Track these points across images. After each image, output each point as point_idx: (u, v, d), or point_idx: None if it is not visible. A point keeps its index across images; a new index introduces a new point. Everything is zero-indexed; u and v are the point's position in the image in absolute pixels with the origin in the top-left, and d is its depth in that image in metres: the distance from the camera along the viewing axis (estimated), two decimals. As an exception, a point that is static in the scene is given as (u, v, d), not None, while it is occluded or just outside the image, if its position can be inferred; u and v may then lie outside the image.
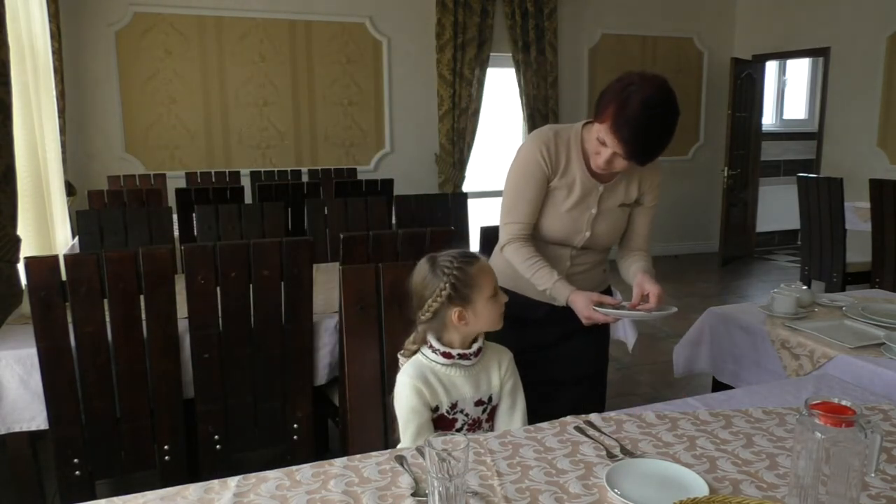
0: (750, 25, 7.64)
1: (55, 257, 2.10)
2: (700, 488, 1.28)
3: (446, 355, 1.64)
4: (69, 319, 2.13)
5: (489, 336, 1.75)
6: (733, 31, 7.79)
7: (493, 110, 7.00)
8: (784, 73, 8.58)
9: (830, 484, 1.13)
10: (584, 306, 1.91)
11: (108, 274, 2.13)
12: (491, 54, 6.62)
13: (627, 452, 1.45)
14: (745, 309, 2.65)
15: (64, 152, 4.89)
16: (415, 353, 1.67)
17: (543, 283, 1.99)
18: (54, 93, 4.41)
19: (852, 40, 6.53)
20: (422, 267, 1.66)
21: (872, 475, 1.31)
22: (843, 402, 1.16)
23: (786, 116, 8.62)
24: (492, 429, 1.73)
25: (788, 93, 8.67)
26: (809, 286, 3.51)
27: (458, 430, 1.67)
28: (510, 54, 6.73)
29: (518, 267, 2.05)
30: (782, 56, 7.58)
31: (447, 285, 1.59)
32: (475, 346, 1.67)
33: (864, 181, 4.83)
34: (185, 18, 5.84)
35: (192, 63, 5.91)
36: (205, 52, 5.94)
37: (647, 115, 1.80)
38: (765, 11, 7.45)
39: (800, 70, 8.68)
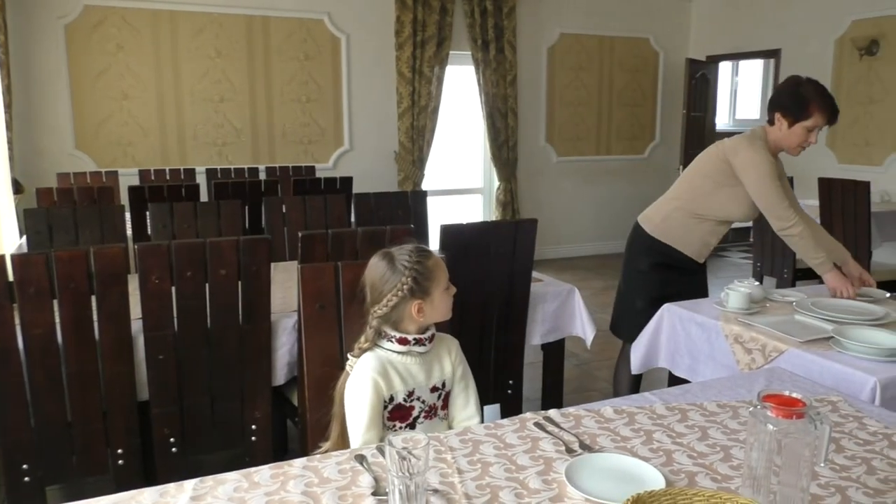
0: (704, 27, 7.79)
1: (1, 257, 2.04)
2: (657, 481, 1.30)
3: (402, 341, 1.67)
4: (17, 321, 2.07)
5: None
6: (688, 33, 7.93)
7: (453, 108, 7.01)
8: (737, 74, 8.76)
9: (782, 474, 1.15)
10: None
11: (58, 274, 2.07)
12: (450, 52, 6.62)
13: (586, 447, 1.46)
14: (700, 304, 2.70)
15: (11, 149, 4.74)
16: (366, 351, 1.69)
17: (819, 255, 2.65)
18: (0, 87, 4.27)
19: (802, 43, 6.71)
20: (378, 263, 1.69)
21: (822, 465, 1.35)
22: (794, 395, 1.19)
23: (739, 116, 8.81)
24: (447, 416, 1.78)
25: (741, 93, 8.86)
26: (761, 282, 3.59)
27: (416, 418, 1.71)
28: (469, 52, 6.74)
29: (808, 248, 2.63)
30: (735, 57, 7.75)
31: (409, 280, 1.64)
32: (429, 333, 1.72)
33: (814, 180, 4.97)
34: (137, 12, 5.70)
35: (146, 58, 5.78)
36: (158, 47, 5.81)
37: (825, 92, 2.66)
38: (718, 14, 7.61)
39: (752, 71, 8.88)
